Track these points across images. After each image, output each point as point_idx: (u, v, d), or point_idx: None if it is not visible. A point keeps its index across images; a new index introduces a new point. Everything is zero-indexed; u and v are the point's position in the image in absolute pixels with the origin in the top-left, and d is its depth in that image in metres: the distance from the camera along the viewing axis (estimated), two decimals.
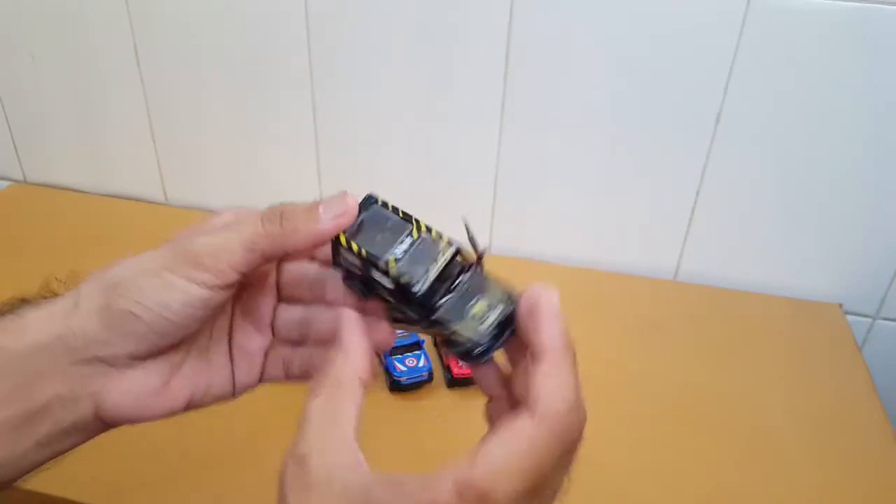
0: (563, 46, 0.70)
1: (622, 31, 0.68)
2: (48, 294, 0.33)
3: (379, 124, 0.79)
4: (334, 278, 0.34)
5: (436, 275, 0.30)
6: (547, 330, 0.28)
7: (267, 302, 0.37)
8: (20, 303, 0.33)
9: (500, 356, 0.32)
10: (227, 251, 0.31)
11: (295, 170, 0.84)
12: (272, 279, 0.37)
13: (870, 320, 0.78)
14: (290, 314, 0.37)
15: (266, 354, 0.37)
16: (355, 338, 0.30)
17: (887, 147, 0.69)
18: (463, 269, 0.31)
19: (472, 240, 0.32)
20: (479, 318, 0.30)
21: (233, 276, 0.31)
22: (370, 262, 0.31)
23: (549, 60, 0.71)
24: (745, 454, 0.58)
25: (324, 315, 0.36)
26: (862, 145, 0.69)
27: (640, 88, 0.71)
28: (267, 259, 0.32)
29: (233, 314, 0.37)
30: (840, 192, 0.72)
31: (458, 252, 0.31)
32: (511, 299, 0.31)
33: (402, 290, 0.30)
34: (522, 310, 0.30)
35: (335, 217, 0.31)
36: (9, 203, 0.93)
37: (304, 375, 0.37)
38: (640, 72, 0.70)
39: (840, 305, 0.76)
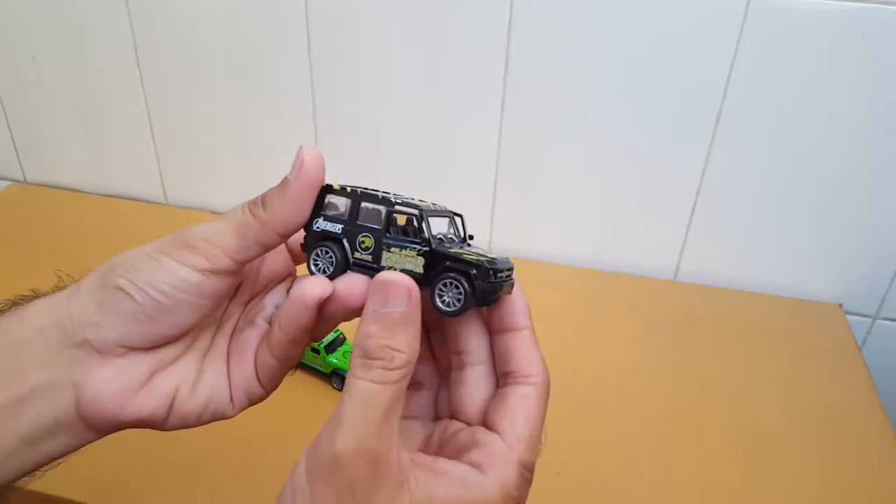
0: (563, 47, 0.70)
1: (622, 31, 0.68)
2: (60, 287, 0.33)
3: (379, 123, 0.79)
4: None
5: (434, 209, 0.31)
6: (519, 300, 0.31)
7: (271, 300, 0.36)
8: (34, 296, 0.33)
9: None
10: (220, 236, 0.31)
11: None
12: (285, 285, 0.37)
13: (870, 320, 0.78)
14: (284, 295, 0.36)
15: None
16: (418, 312, 0.28)
17: (887, 147, 0.69)
18: (458, 237, 0.32)
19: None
20: (482, 253, 0.30)
21: (225, 261, 0.31)
22: (364, 196, 0.31)
23: (549, 61, 0.71)
24: (745, 454, 0.58)
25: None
26: (862, 145, 0.69)
27: (640, 88, 0.71)
28: (262, 244, 0.31)
29: (240, 316, 0.36)
30: (840, 192, 0.72)
31: (459, 215, 0.32)
32: (508, 260, 0.31)
33: (399, 207, 0.30)
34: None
35: (298, 170, 0.31)
36: (9, 203, 0.93)
37: None
38: (641, 72, 0.70)
39: (840, 305, 0.76)
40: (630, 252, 0.80)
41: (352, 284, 0.31)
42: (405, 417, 0.33)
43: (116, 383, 0.31)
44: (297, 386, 0.62)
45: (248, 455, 0.55)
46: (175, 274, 0.30)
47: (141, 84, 0.84)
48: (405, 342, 0.27)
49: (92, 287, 0.31)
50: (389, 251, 0.30)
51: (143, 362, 0.32)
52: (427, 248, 0.30)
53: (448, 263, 0.29)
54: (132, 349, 0.32)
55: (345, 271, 0.31)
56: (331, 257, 0.31)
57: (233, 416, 0.35)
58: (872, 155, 0.69)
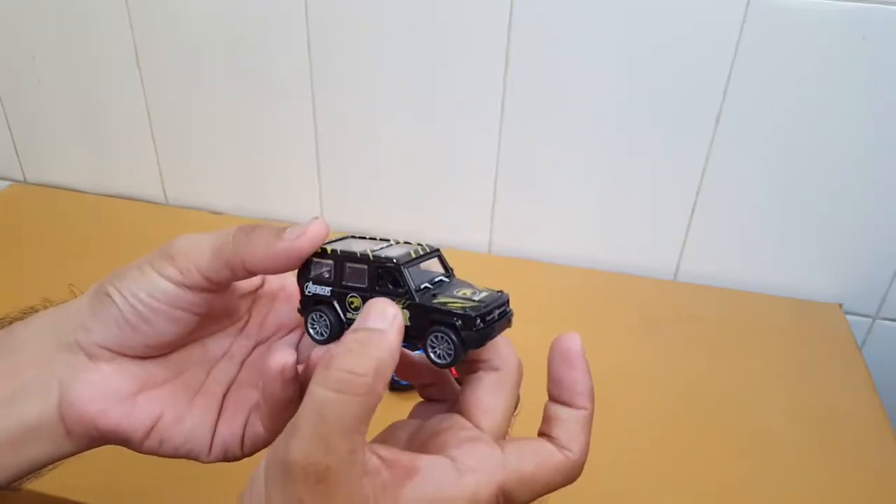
0: (563, 47, 0.70)
1: (622, 31, 0.68)
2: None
3: (379, 124, 0.79)
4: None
5: (414, 257, 0.30)
6: (585, 380, 0.30)
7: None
8: (44, 306, 0.34)
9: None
10: (198, 252, 0.31)
11: (295, 169, 0.84)
12: (292, 337, 0.37)
13: (870, 320, 0.78)
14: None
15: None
16: (392, 309, 0.27)
17: (887, 147, 0.69)
18: (443, 275, 0.31)
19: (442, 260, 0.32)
20: (468, 296, 0.30)
21: (196, 278, 0.31)
22: (344, 257, 0.30)
23: (549, 61, 0.71)
24: (744, 454, 0.58)
25: None
26: (862, 145, 0.69)
27: (640, 88, 0.71)
28: (231, 269, 0.31)
29: (241, 366, 0.36)
30: (840, 192, 0.72)
31: (437, 251, 0.31)
32: (501, 294, 0.30)
33: (378, 264, 0.30)
34: (554, 353, 0.30)
35: (296, 237, 0.30)
36: (9, 203, 0.93)
37: None
38: (640, 71, 0.70)
39: (840, 305, 0.76)
40: (630, 252, 0.80)
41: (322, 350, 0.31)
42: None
43: (101, 387, 0.32)
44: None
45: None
46: (153, 284, 0.31)
47: (141, 84, 0.84)
48: (373, 362, 0.26)
49: (90, 294, 0.32)
50: None
51: (131, 372, 0.33)
52: (410, 301, 0.29)
53: (434, 317, 0.29)
54: (118, 355, 0.32)
55: (341, 333, 0.31)
56: (325, 321, 0.31)
57: (205, 463, 0.34)
58: (872, 155, 0.69)
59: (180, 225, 0.87)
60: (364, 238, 0.33)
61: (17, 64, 0.86)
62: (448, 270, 0.32)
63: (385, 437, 0.31)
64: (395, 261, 0.29)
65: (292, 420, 0.25)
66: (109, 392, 0.32)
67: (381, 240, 0.32)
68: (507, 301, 0.30)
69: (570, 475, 0.29)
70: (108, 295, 0.31)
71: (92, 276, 0.34)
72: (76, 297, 0.34)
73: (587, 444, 0.29)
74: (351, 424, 0.25)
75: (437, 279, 0.31)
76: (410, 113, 0.77)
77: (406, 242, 0.32)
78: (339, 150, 0.82)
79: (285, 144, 0.83)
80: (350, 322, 0.31)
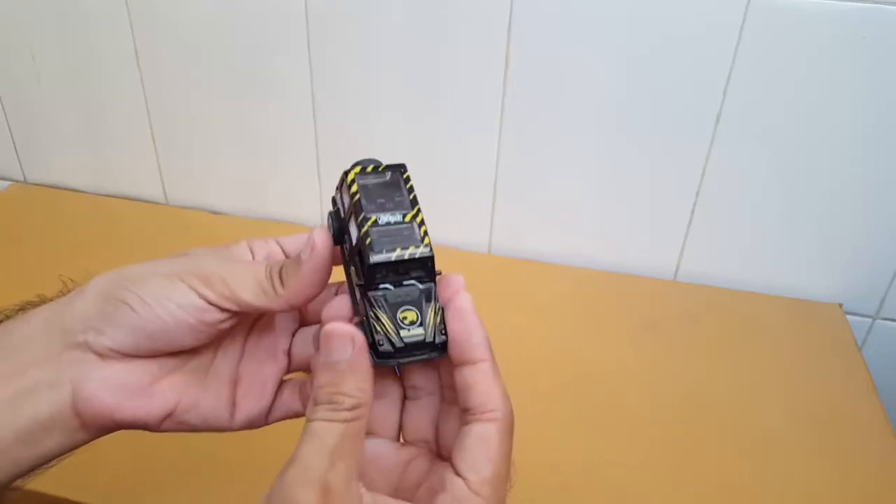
0: (563, 47, 0.70)
1: (622, 32, 0.68)
2: (65, 292, 0.34)
3: (379, 124, 0.79)
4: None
5: (395, 258, 0.30)
6: (477, 332, 0.30)
7: (284, 328, 0.37)
8: (40, 301, 0.33)
9: None
10: (239, 284, 0.32)
11: (295, 170, 0.84)
12: (289, 319, 0.37)
13: (870, 320, 0.78)
14: (309, 338, 0.37)
15: (280, 382, 0.37)
16: (363, 357, 0.29)
17: (887, 147, 0.69)
18: (422, 278, 0.31)
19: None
20: (404, 324, 0.30)
21: (232, 307, 0.32)
22: (355, 208, 0.31)
23: (549, 61, 0.71)
24: (744, 454, 0.58)
25: None
26: (862, 145, 0.69)
27: (640, 88, 0.71)
28: (271, 310, 0.33)
29: (246, 340, 0.37)
30: (840, 192, 0.72)
31: (429, 258, 0.31)
32: (440, 333, 0.30)
33: (360, 252, 0.31)
34: (446, 312, 0.30)
35: (310, 252, 0.32)
36: (9, 203, 0.93)
37: None
38: (640, 71, 0.70)
39: (840, 305, 0.76)
40: (630, 252, 0.80)
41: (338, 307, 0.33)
42: (371, 435, 0.33)
43: (115, 384, 0.32)
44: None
45: (248, 455, 0.55)
46: (183, 295, 0.31)
47: (141, 84, 0.84)
48: (354, 387, 0.28)
49: (98, 295, 0.31)
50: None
51: (144, 368, 0.33)
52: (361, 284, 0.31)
53: (361, 319, 0.31)
54: (130, 357, 0.32)
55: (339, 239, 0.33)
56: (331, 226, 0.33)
57: (231, 431, 0.36)
58: (872, 155, 0.69)
59: (180, 225, 0.87)
60: (408, 183, 0.34)
61: (17, 64, 0.86)
62: (426, 277, 0.31)
63: (368, 474, 0.32)
64: (369, 262, 0.30)
65: (290, 457, 0.27)
66: (124, 386, 0.32)
67: (412, 199, 0.33)
68: (438, 346, 0.30)
69: (510, 429, 0.30)
70: (126, 302, 0.31)
71: (92, 276, 0.34)
72: (70, 289, 0.33)
73: (504, 392, 0.30)
74: (347, 444, 0.27)
75: (409, 281, 0.31)
76: (410, 113, 0.77)
77: (422, 222, 0.32)
78: (339, 150, 0.82)
79: (285, 144, 0.83)
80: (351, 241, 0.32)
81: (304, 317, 0.38)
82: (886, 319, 0.77)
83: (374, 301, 0.30)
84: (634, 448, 0.59)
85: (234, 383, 0.36)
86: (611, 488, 0.55)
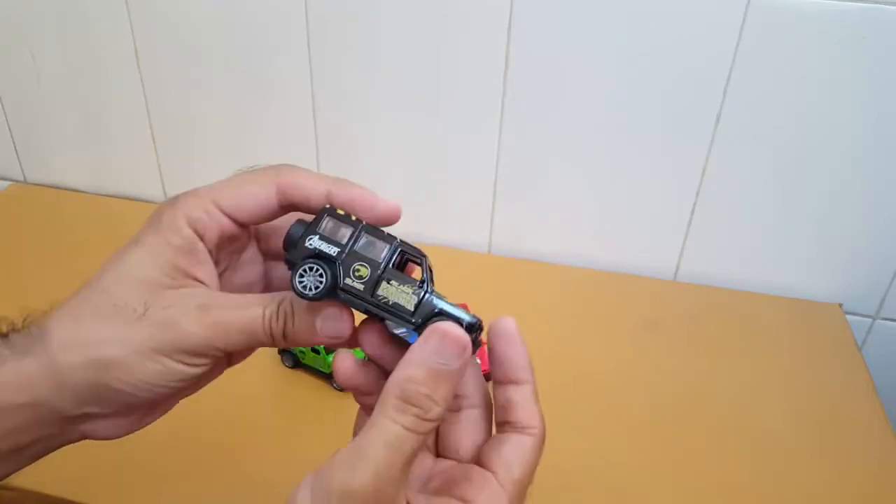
0: (563, 47, 0.70)
1: (622, 32, 0.68)
2: (11, 329, 0.32)
3: (379, 124, 0.79)
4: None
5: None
6: (524, 354, 0.31)
7: (255, 261, 0.38)
8: (42, 311, 0.32)
9: None
10: (232, 342, 0.32)
11: None
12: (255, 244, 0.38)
13: (870, 320, 0.78)
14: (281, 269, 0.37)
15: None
16: (468, 369, 0.30)
17: (887, 147, 0.69)
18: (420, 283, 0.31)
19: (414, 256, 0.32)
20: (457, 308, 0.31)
21: (220, 356, 0.32)
22: (367, 229, 0.32)
23: (549, 61, 0.71)
24: (745, 454, 0.58)
25: None
26: (862, 145, 0.69)
27: (640, 88, 0.71)
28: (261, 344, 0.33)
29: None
30: (840, 192, 0.72)
31: (398, 248, 0.31)
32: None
33: (404, 249, 0.31)
34: (493, 335, 0.31)
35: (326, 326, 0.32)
36: (9, 203, 0.93)
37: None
38: (640, 71, 0.70)
39: (840, 305, 0.76)
40: (630, 252, 0.80)
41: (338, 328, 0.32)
42: None
43: (118, 427, 0.33)
44: (298, 386, 0.62)
45: (249, 454, 0.55)
46: (171, 370, 0.31)
47: (141, 84, 0.84)
48: (444, 396, 0.27)
49: (83, 384, 0.30)
50: (389, 283, 0.30)
51: (142, 411, 0.34)
52: (424, 292, 0.30)
53: (438, 312, 0.30)
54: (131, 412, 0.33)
55: (332, 292, 0.30)
56: (321, 276, 0.30)
57: None
58: (872, 155, 0.69)
59: None
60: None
61: (17, 64, 0.86)
62: (426, 281, 0.31)
63: None
64: (422, 253, 0.31)
65: (353, 448, 0.27)
66: (127, 426, 0.33)
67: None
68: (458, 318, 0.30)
69: (542, 447, 0.31)
70: (118, 389, 0.30)
71: (92, 276, 0.34)
72: (28, 317, 0.32)
73: (542, 414, 0.31)
74: (414, 457, 0.27)
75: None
76: (410, 113, 0.77)
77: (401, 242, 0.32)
78: (340, 150, 0.82)
79: (285, 144, 0.83)
80: (346, 288, 0.30)
81: (267, 253, 0.38)
82: (886, 319, 0.77)
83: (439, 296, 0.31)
84: (634, 448, 0.59)
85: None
86: (611, 488, 0.55)
